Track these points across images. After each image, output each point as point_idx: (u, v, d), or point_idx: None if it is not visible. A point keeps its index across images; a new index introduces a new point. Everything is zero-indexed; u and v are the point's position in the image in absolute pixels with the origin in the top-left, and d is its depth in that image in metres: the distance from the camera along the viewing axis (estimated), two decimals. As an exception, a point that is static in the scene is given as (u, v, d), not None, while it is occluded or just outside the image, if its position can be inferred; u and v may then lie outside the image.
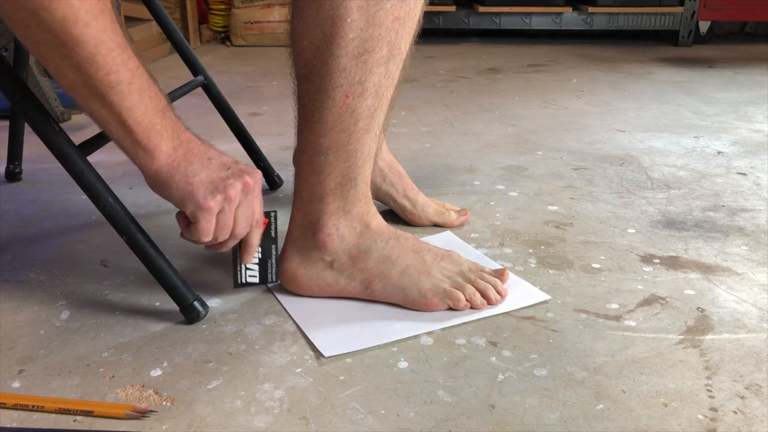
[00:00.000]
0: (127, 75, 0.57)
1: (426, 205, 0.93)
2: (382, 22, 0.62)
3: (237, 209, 0.64)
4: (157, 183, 0.63)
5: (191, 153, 0.63)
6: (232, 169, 0.64)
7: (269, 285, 0.76)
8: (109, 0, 0.56)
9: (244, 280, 0.74)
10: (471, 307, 0.71)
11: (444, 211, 0.93)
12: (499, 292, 0.72)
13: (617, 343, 0.66)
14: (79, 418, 0.56)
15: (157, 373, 0.62)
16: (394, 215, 0.94)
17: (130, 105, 0.58)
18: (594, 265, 0.82)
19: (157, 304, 0.74)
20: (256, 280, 0.74)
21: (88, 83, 0.56)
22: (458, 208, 0.95)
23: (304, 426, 0.55)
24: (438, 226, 0.93)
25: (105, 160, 1.22)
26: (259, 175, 0.66)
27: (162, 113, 0.61)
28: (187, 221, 0.65)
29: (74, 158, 0.66)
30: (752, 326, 0.69)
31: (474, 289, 0.72)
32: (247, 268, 0.73)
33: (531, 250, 0.86)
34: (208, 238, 0.64)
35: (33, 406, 0.57)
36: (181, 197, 0.62)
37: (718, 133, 1.39)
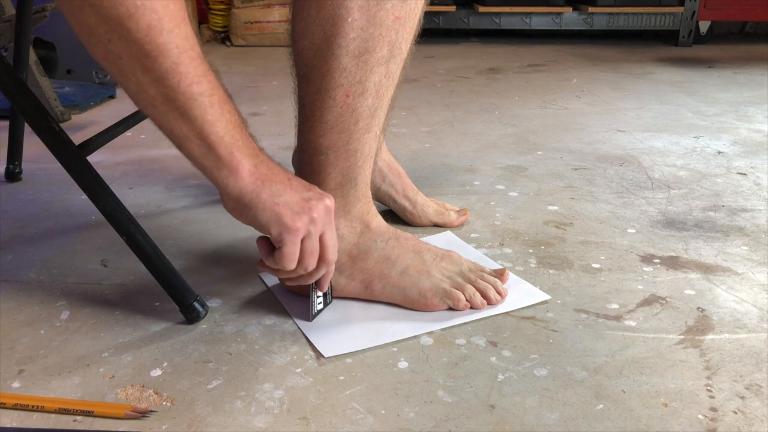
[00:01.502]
0: (207, 86, 0.54)
1: (426, 205, 0.93)
2: (383, 22, 0.62)
3: (323, 234, 0.61)
4: (241, 204, 0.58)
5: (272, 172, 0.59)
6: (312, 190, 0.61)
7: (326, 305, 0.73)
8: (186, 7, 0.53)
9: (316, 311, 0.70)
10: (471, 307, 0.71)
11: (444, 211, 0.93)
12: (499, 292, 0.72)
13: (617, 343, 0.66)
14: (79, 418, 0.56)
15: (157, 373, 0.62)
16: (393, 215, 0.94)
17: (212, 118, 0.54)
18: (594, 265, 0.82)
19: (157, 304, 0.74)
20: (323, 306, 0.71)
21: (169, 97, 0.52)
22: (458, 208, 0.95)
23: (304, 426, 0.55)
24: (438, 226, 0.93)
25: (105, 160, 1.22)
26: (333, 199, 0.62)
27: (241, 128, 0.57)
28: (270, 248, 0.61)
29: (74, 158, 0.66)
30: (752, 326, 0.69)
31: (474, 289, 0.72)
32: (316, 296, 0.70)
33: (531, 250, 0.86)
34: (292, 264, 0.59)
35: (33, 406, 0.57)
36: (267, 219, 0.58)
37: (718, 133, 1.39)
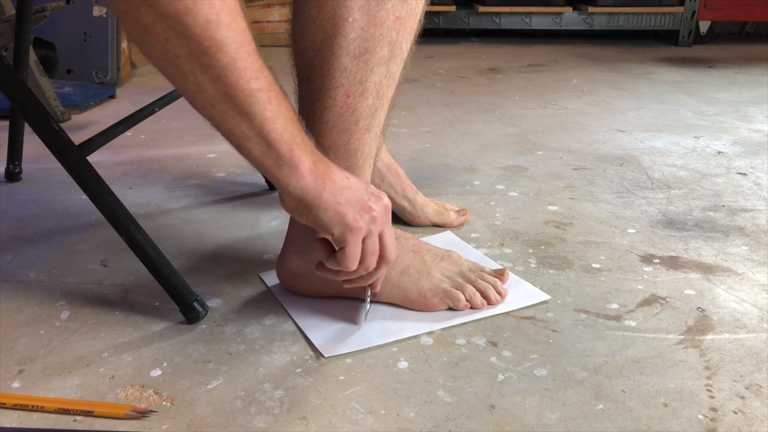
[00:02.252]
0: (265, 82, 0.52)
1: (425, 205, 0.93)
2: (384, 22, 0.62)
3: (382, 233, 0.60)
4: (303, 204, 0.57)
5: (330, 170, 0.58)
6: (369, 188, 0.60)
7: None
8: (241, 1, 0.52)
9: (367, 311, 0.70)
10: (471, 307, 0.71)
11: (443, 211, 0.93)
12: (499, 293, 0.72)
13: (617, 343, 0.66)
14: (79, 418, 0.56)
15: (157, 373, 0.62)
16: (394, 215, 0.94)
17: (271, 115, 0.53)
18: (594, 265, 0.82)
19: (157, 304, 0.74)
20: (369, 306, 0.71)
21: (228, 94, 0.51)
22: (458, 208, 0.95)
23: (304, 426, 0.55)
24: (438, 226, 0.93)
25: (105, 160, 1.22)
26: (387, 198, 0.61)
27: (298, 125, 0.56)
28: (329, 249, 0.61)
29: (74, 158, 0.66)
30: (752, 326, 0.69)
31: (474, 289, 0.72)
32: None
33: (531, 250, 0.86)
34: (355, 264, 0.59)
35: (33, 407, 0.57)
36: (329, 219, 0.57)
37: (718, 133, 1.39)
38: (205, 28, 0.48)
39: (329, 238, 0.59)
